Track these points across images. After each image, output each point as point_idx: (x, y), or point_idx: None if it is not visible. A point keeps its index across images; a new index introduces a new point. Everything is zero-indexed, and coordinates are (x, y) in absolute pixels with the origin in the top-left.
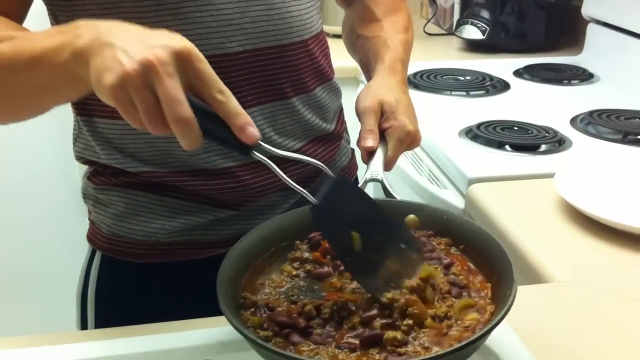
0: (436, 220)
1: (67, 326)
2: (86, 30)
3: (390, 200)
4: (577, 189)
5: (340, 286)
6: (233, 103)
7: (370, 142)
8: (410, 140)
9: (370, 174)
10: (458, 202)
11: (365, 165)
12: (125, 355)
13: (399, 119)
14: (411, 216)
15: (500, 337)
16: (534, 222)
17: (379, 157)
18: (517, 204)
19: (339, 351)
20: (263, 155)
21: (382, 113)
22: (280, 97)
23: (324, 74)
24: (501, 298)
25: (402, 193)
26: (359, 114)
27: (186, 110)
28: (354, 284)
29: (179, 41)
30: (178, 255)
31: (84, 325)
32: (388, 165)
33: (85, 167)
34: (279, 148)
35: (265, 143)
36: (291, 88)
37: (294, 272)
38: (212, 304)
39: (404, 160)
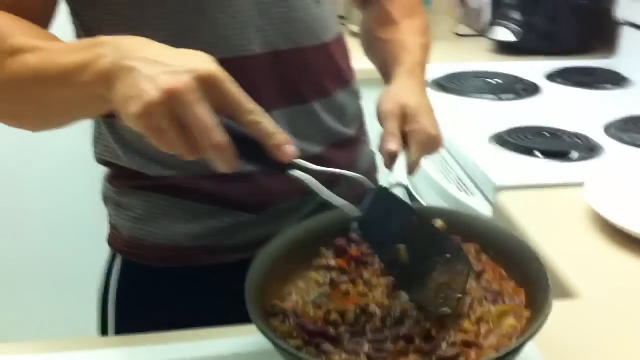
0: (464, 226)
1: (88, 330)
2: (108, 50)
3: (417, 205)
4: (608, 199)
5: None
6: (266, 122)
7: (393, 145)
8: (433, 144)
9: (395, 179)
10: (486, 210)
11: (387, 170)
12: None
13: (421, 122)
14: (438, 221)
15: (522, 357)
16: (562, 234)
17: (401, 163)
18: (546, 213)
19: None
20: (301, 170)
21: (404, 117)
22: (300, 101)
23: (344, 78)
24: (536, 304)
25: (428, 199)
26: (380, 118)
27: (220, 136)
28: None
29: (203, 63)
30: (199, 259)
31: (104, 330)
32: (411, 169)
33: (105, 169)
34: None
35: (301, 160)
36: (312, 92)
37: (321, 280)
38: (235, 310)
39: (432, 166)
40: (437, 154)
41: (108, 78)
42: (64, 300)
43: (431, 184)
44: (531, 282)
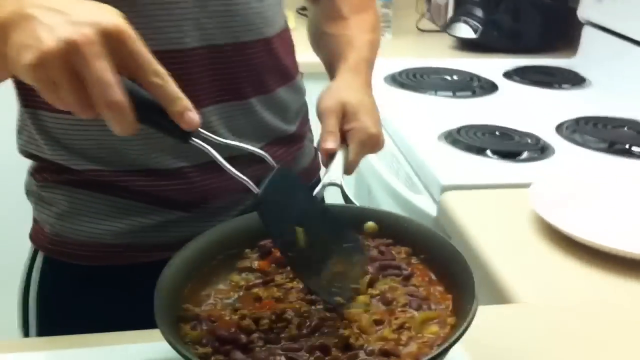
0: (396, 228)
1: (10, 330)
2: (7, 1)
3: (348, 206)
4: (552, 202)
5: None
6: (170, 86)
7: (330, 144)
8: (373, 144)
9: (329, 178)
10: (431, 209)
11: (325, 168)
12: None
13: (361, 120)
14: (370, 223)
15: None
16: (505, 236)
17: (339, 161)
18: (491, 215)
19: None
20: (203, 142)
21: (344, 115)
22: (237, 97)
23: (287, 74)
24: (462, 312)
25: (376, 195)
26: (320, 114)
27: (117, 93)
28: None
29: (109, 17)
30: (125, 258)
31: (25, 330)
32: (349, 169)
33: (29, 161)
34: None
35: (204, 131)
36: (250, 88)
37: (242, 283)
38: None
39: (381, 162)
40: (381, 152)
41: (5, 29)
42: None
43: (379, 180)
44: (459, 288)
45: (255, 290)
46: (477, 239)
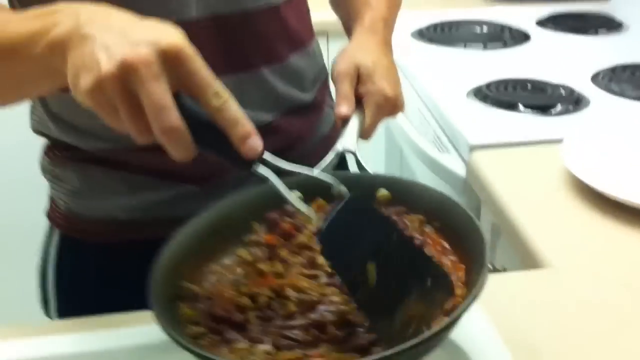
0: (409, 195)
1: (31, 305)
2: (65, 18)
3: (360, 174)
4: (587, 159)
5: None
6: (231, 109)
7: (343, 109)
8: (390, 107)
9: (343, 145)
10: (460, 170)
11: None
12: (92, 353)
13: (377, 83)
14: (383, 191)
15: (475, 332)
16: (537, 197)
17: (353, 126)
18: (522, 174)
19: (276, 350)
20: (268, 168)
21: (359, 77)
22: (247, 68)
23: (299, 40)
24: (472, 282)
25: (407, 157)
26: (334, 79)
27: (174, 118)
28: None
29: (168, 35)
30: (139, 234)
31: (46, 307)
32: (365, 134)
33: (42, 139)
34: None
35: (269, 155)
36: (260, 57)
37: (249, 258)
38: None
39: (408, 121)
40: (409, 111)
41: (63, 48)
42: (5, 278)
43: (408, 141)
44: (471, 258)
45: (260, 265)
46: (507, 200)
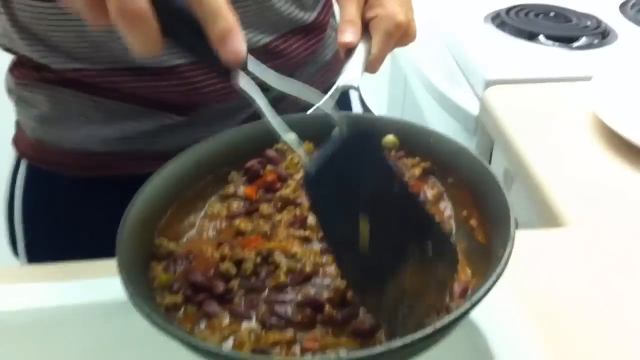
0: (420, 143)
1: None
2: None
3: (364, 115)
4: (614, 101)
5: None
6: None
7: (348, 36)
8: (401, 34)
9: (345, 80)
10: (472, 107)
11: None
12: (61, 306)
13: (387, 6)
14: (389, 137)
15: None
16: (557, 142)
17: (358, 57)
18: (542, 115)
19: (263, 329)
20: (250, 79)
21: (366, 0)
22: None
23: None
24: (491, 258)
25: (413, 89)
26: (338, 1)
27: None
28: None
29: None
30: (116, 168)
31: (14, 246)
32: (372, 65)
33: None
34: None
35: (254, 61)
36: None
37: (223, 212)
38: None
39: (417, 49)
40: (418, 37)
41: None
42: None
43: (416, 71)
44: (491, 224)
45: (238, 221)
46: (523, 144)
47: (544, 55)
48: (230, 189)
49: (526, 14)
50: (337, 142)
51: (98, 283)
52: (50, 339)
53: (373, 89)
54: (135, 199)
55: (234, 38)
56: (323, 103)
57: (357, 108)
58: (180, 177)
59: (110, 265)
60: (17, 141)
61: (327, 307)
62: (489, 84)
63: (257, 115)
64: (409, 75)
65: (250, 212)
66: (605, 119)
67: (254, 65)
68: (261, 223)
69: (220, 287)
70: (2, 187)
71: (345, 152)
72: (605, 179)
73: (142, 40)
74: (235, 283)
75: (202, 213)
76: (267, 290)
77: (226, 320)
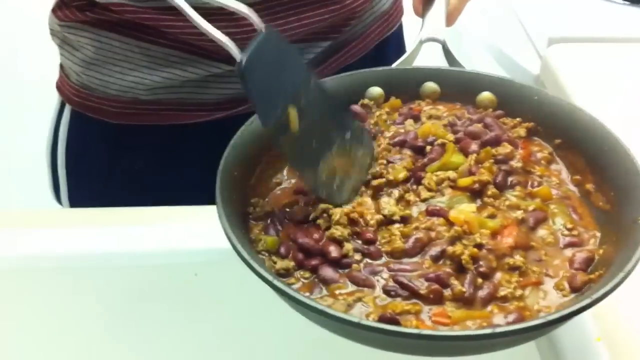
0: (523, 102)
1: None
2: None
3: (455, 70)
4: None
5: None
6: None
7: None
8: None
9: (428, 33)
10: (532, 66)
11: (420, 18)
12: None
13: None
14: (486, 94)
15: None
16: (622, 106)
17: (439, 8)
18: (607, 77)
19: (389, 299)
20: None
21: None
22: None
23: None
24: (618, 256)
25: (465, 44)
26: None
27: None
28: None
29: None
30: (162, 117)
31: (56, 190)
32: (450, 17)
33: None
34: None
35: None
36: None
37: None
38: (207, 179)
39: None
40: None
41: None
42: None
43: (472, 26)
44: (617, 189)
45: None
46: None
47: (613, 13)
48: None
49: None
50: (262, 38)
51: (139, 230)
52: (87, 283)
53: (433, 45)
54: (226, 157)
55: None
56: (405, 59)
57: (441, 62)
58: (266, 133)
59: (151, 212)
60: (61, 86)
61: (453, 282)
62: (552, 41)
63: (311, 67)
64: (464, 30)
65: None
66: None
67: None
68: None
69: (334, 251)
70: (46, 133)
71: (268, 48)
72: None
73: None
74: (349, 247)
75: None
76: (384, 256)
77: (348, 287)
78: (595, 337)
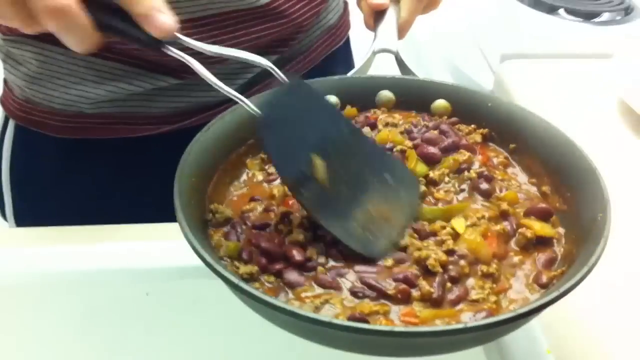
0: (477, 108)
1: None
2: None
3: (409, 78)
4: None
5: None
6: None
7: None
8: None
9: (381, 44)
10: (485, 81)
11: (372, 31)
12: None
13: None
14: (440, 101)
15: None
16: (573, 120)
17: (390, 21)
18: (558, 92)
19: (357, 300)
20: (181, 51)
21: None
22: None
23: None
24: (583, 227)
25: (422, 57)
26: None
27: None
28: None
29: None
30: (107, 131)
31: (2, 208)
32: (401, 30)
33: None
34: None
35: (184, 36)
36: None
37: (260, 177)
38: (152, 194)
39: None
40: (430, 11)
41: None
42: None
43: (427, 40)
44: (573, 189)
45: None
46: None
47: (564, 30)
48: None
49: None
50: (283, 89)
51: (85, 249)
52: (34, 304)
53: (385, 56)
54: (184, 163)
55: (160, 15)
56: (358, 70)
57: (394, 73)
58: (224, 139)
59: (97, 230)
60: (5, 101)
61: (422, 285)
62: (504, 57)
63: (255, 80)
64: (420, 46)
65: None
66: (626, 98)
67: (186, 40)
68: None
69: (298, 255)
70: None
71: (290, 98)
72: (627, 160)
73: (77, 37)
74: (313, 251)
75: (245, 177)
76: (343, 259)
77: (314, 290)
78: (545, 349)
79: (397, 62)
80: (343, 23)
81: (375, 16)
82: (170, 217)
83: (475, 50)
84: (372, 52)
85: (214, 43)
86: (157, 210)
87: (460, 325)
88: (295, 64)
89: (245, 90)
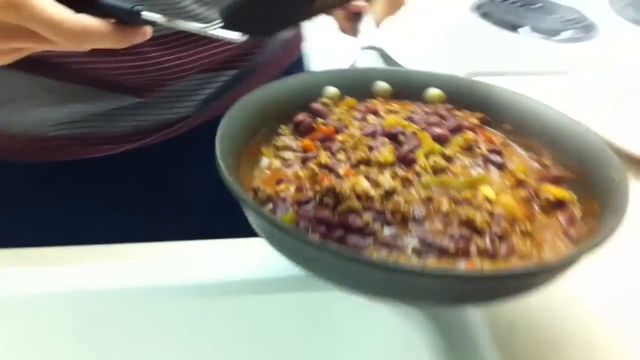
0: (470, 95)
1: None
2: None
3: (402, 70)
4: (586, 99)
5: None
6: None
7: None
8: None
9: (367, 41)
10: None
11: (350, 35)
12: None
13: None
14: (434, 90)
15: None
16: None
17: (369, 20)
18: None
19: (418, 258)
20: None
21: None
22: None
23: None
24: (598, 187)
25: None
26: None
27: None
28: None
29: None
30: (68, 153)
31: None
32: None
33: None
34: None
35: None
36: None
37: (278, 163)
38: (119, 212)
39: (397, 32)
40: (395, 21)
41: None
42: None
43: (393, 57)
44: (573, 157)
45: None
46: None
47: (528, 48)
48: (281, 141)
49: (512, 4)
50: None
51: (51, 271)
52: (9, 328)
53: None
54: (222, 149)
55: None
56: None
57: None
58: (244, 128)
59: (61, 252)
60: None
61: (477, 241)
62: (469, 75)
63: (213, 96)
64: (387, 60)
65: (305, 160)
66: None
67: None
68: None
69: (356, 221)
70: None
71: None
72: None
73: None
74: (368, 217)
75: (266, 164)
76: (395, 224)
77: (379, 252)
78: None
79: (382, 57)
80: (296, 34)
81: (354, 18)
82: (139, 234)
83: (443, 69)
84: (359, 49)
85: (175, 60)
86: (124, 229)
87: (532, 267)
88: (254, 77)
89: (206, 104)
